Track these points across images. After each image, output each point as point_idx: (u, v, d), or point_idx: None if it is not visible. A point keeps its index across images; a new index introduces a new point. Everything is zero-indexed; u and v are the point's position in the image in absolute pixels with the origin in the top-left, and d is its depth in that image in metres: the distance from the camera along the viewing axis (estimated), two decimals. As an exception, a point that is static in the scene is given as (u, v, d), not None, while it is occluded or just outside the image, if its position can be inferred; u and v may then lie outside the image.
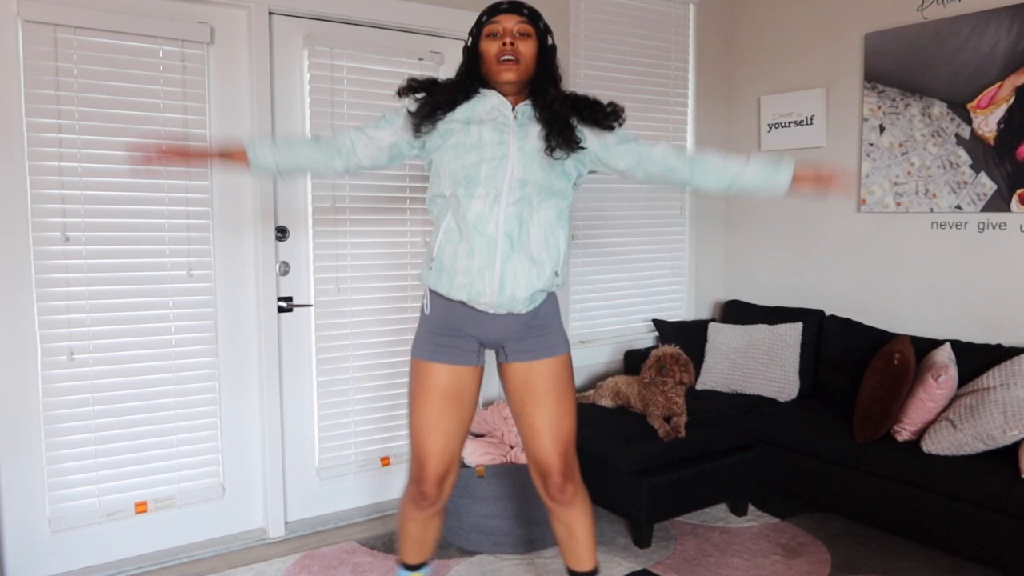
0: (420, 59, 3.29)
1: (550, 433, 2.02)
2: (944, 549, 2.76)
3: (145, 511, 2.88)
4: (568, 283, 3.77)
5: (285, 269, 3.09)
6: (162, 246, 2.85)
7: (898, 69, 3.47)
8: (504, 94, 1.98)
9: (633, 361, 3.76)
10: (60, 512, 2.74)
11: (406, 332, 3.37)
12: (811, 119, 3.82)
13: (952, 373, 2.87)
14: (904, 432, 2.93)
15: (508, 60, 1.91)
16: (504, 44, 1.92)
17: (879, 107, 3.55)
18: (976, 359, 3.01)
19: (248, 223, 3.01)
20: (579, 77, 3.72)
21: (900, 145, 3.49)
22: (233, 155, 2.06)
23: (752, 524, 3.25)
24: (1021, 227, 3.13)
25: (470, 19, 3.31)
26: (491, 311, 1.96)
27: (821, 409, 3.36)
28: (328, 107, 3.10)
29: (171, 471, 2.93)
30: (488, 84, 1.99)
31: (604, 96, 3.82)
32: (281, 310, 3.09)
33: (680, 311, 4.20)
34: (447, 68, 3.37)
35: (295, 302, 3.13)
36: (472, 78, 1.99)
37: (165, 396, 2.89)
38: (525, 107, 1.98)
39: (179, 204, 2.87)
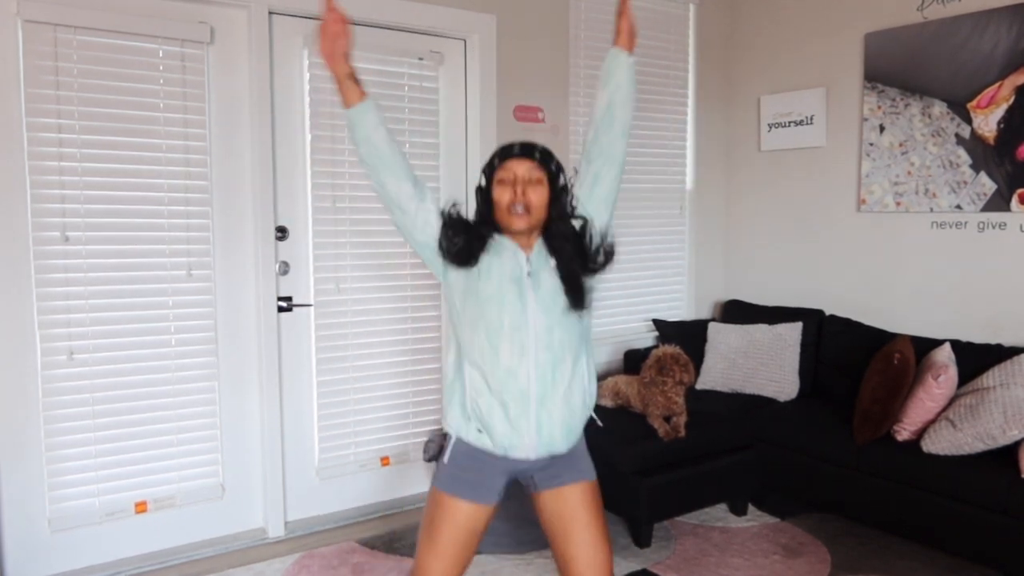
0: (420, 59, 3.29)
1: (585, 562, 1.96)
2: (944, 549, 2.76)
3: (145, 511, 2.88)
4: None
5: (285, 269, 3.09)
6: (162, 246, 2.85)
7: (898, 69, 3.46)
8: (513, 237, 1.93)
9: (633, 361, 3.76)
10: (60, 512, 2.74)
11: (406, 332, 3.37)
12: (811, 119, 3.82)
13: (952, 373, 2.87)
14: (904, 432, 2.92)
15: (519, 212, 1.87)
16: (515, 193, 1.87)
17: (879, 107, 3.55)
18: (976, 359, 3.01)
19: (248, 223, 3.01)
20: (579, 77, 3.72)
21: (900, 145, 3.48)
22: (352, 90, 1.95)
23: (752, 524, 3.25)
24: (1021, 227, 3.13)
25: (470, 19, 3.34)
26: (532, 456, 1.91)
27: (821, 409, 3.36)
28: (328, 107, 3.10)
29: (171, 471, 2.93)
30: (501, 229, 1.94)
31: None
32: (281, 310, 3.09)
33: (680, 311, 4.20)
34: (447, 68, 3.38)
35: (295, 302, 3.12)
36: (487, 225, 1.94)
37: (165, 396, 2.89)
38: (537, 257, 1.93)
39: (179, 204, 2.87)
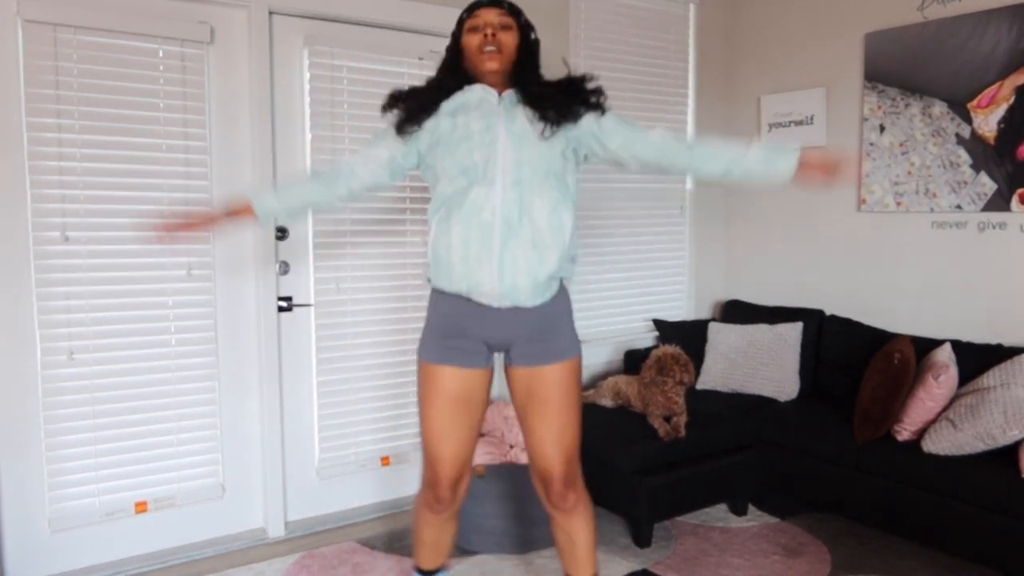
0: (420, 59, 3.29)
1: (553, 442, 1.98)
2: (944, 549, 2.75)
3: (145, 511, 2.88)
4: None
5: (285, 269, 3.09)
6: (162, 246, 2.84)
7: (898, 69, 3.46)
8: (488, 85, 1.98)
9: (633, 361, 3.76)
10: (60, 512, 2.74)
11: (406, 331, 3.37)
12: (811, 119, 3.82)
13: (952, 373, 2.87)
14: (904, 432, 2.92)
15: (490, 51, 1.92)
16: (486, 36, 1.92)
17: (879, 107, 3.55)
18: (976, 359, 3.01)
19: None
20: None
21: (900, 145, 3.48)
22: (239, 212, 2.07)
23: (752, 524, 3.25)
24: (1021, 227, 3.13)
25: (470, 19, 3.34)
26: (495, 304, 1.90)
27: (821, 409, 3.36)
28: (328, 107, 3.10)
29: (171, 471, 2.93)
30: (471, 79, 1.99)
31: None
32: (281, 310, 3.09)
33: (680, 311, 4.20)
34: (447, 68, 3.37)
35: (295, 302, 3.12)
36: (454, 74, 1.99)
37: (165, 396, 2.89)
38: (510, 93, 1.98)
39: (179, 204, 2.87)
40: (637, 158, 2.01)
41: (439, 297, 2.00)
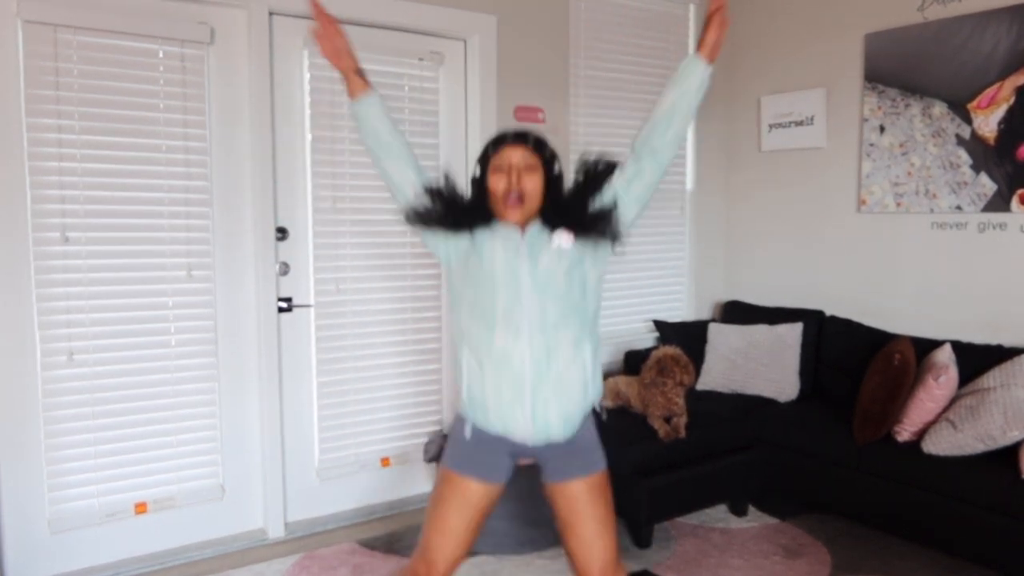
0: (420, 59, 3.29)
1: (586, 552, 1.98)
2: (944, 550, 2.75)
3: (145, 512, 2.88)
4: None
5: (285, 269, 3.09)
6: (162, 246, 2.85)
7: (898, 69, 3.46)
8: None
9: (633, 362, 3.76)
10: (60, 513, 2.74)
11: (406, 332, 3.37)
12: (811, 119, 3.82)
13: (952, 374, 2.87)
14: (904, 433, 2.92)
15: (514, 201, 1.88)
16: (510, 182, 1.88)
17: (879, 107, 3.55)
18: (976, 360, 3.01)
19: (248, 223, 3.01)
20: (579, 78, 3.72)
21: (900, 145, 3.48)
22: (354, 79, 2.03)
23: (752, 525, 3.25)
24: (1021, 227, 3.13)
25: (470, 20, 3.34)
26: (529, 442, 1.93)
27: (821, 410, 3.36)
28: (328, 107, 3.10)
29: (170, 472, 2.92)
30: (496, 218, 1.95)
31: (604, 97, 3.81)
32: (281, 310, 3.09)
33: (680, 311, 4.20)
34: (447, 68, 3.38)
35: (295, 302, 3.12)
36: (482, 213, 1.94)
37: (165, 396, 2.89)
38: (532, 232, 1.92)
39: (179, 204, 2.87)
40: (635, 203, 1.99)
41: (466, 424, 2.00)
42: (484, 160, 1.96)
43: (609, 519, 2.02)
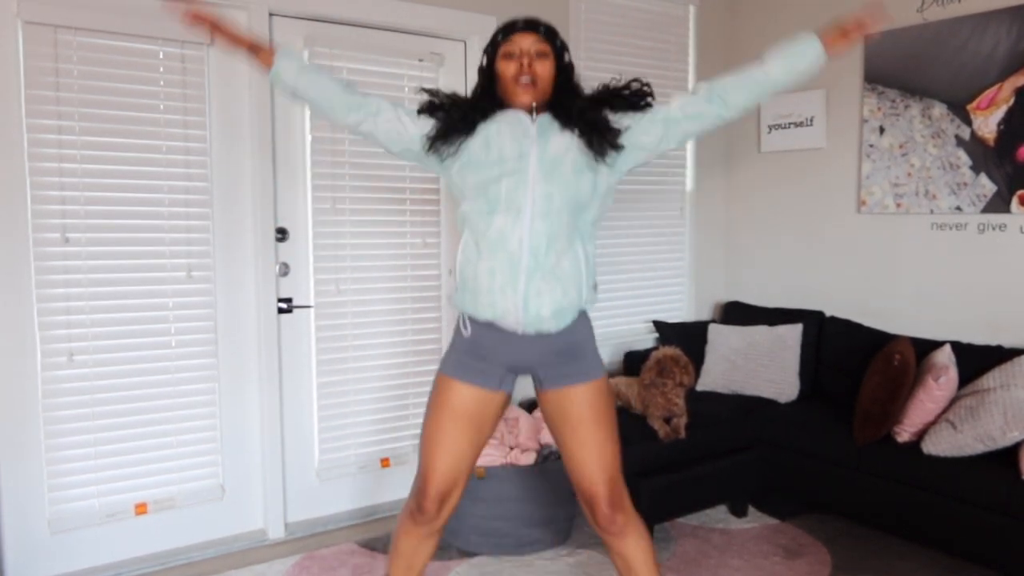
0: (420, 60, 3.29)
1: (592, 462, 1.93)
2: (944, 550, 2.76)
3: (145, 512, 2.88)
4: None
5: (285, 270, 3.09)
6: (162, 247, 2.85)
7: (898, 70, 3.47)
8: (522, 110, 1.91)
9: (633, 362, 3.76)
10: (60, 513, 2.74)
11: (406, 332, 3.37)
12: (811, 120, 3.82)
13: (952, 374, 2.87)
14: (904, 433, 2.92)
15: (526, 82, 1.86)
16: (521, 65, 1.86)
17: (879, 108, 3.55)
18: (976, 360, 3.01)
19: (248, 224, 3.01)
20: (579, 78, 3.71)
21: (900, 146, 3.49)
22: (260, 53, 1.96)
23: (752, 525, 3.25)
24: (1021, 228, 3.13)
25: (470, 20, 3.34)
26: (519, 331, 1.88)
27: (821, 410, 3.36)
28: (328, 108, 3.10)
29: (171, 472, 2.92)
30: (505, 105, 1.92)
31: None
32: (281, 311, 3.09)
33: (680, 312, 4.20)
34: (447, 70, 3.38)
35: (295, 303, 3.12)
36: (489, 98, 1.92)
37: (165, 397, 2.89)
38: (545, 117, 1.91)
39: (179, 205, 2.87)
40: (673, 138, 1.97)
41: (463, 319, 1.97)
42: (493, 48, 1.92)
43: (615, 427, 1.96)
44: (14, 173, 2.57)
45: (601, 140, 1.89)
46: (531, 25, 1.91)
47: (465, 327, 1.96)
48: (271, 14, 2.96)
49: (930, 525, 2.77)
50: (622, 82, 1.98)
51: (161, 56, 2.79)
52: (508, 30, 1.91)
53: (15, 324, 2.61)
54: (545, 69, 1.89)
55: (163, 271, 2.86)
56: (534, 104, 1.89)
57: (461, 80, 3.42)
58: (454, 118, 1.91)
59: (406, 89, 3.27)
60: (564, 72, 1.94)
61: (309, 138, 3.09)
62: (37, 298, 2.64)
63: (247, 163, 2.98)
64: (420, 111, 1.97)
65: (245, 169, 2.99)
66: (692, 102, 1.94)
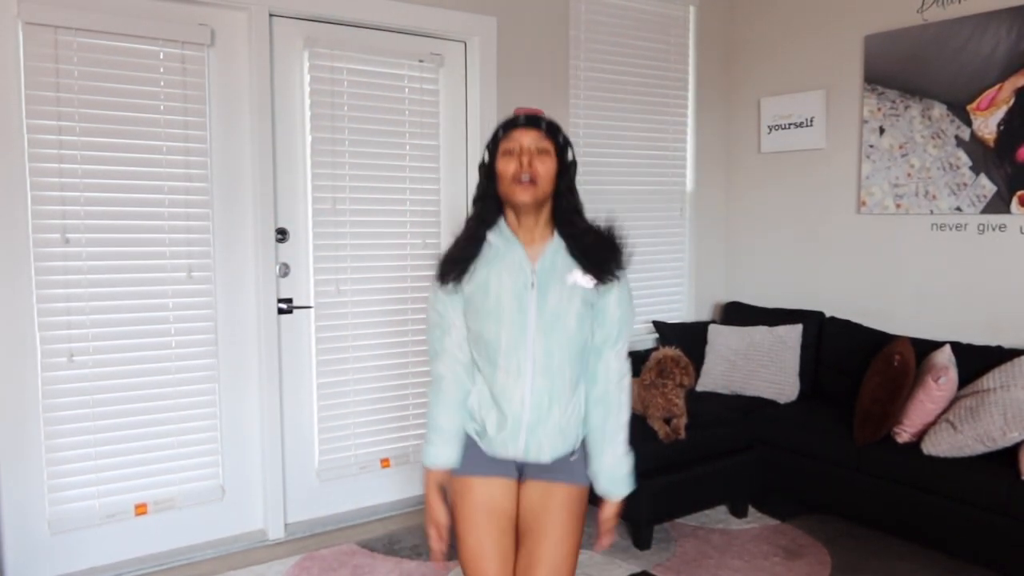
0: (420, 61, 3.29)
1: (549, 568, 1.85)
2: (944, 550, 2.76)
3: (145, 513, 2.88)
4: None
5: (285, 271, 3.09)
6: (162, 248, 2.85)
7: (898, 71, 3.47)
8: (519, 215, 1.85)
9: (633, 363, 3.71)
10: (60, 514, 2.74)
11: (406, 333, 3.37)
12: (811, 121, 3.82)
13: (952, 375, 2.87)
14: (904, 433, 2.92)
15: (525, 181, 1.79)
16: (521, 164, 1.80)
17: (879, 109, 3.55)
18: (976, 361, 3.01)
19: (248, 225, 3.01)
20: (579, 79, 3.72)
21: (900, 147, 3.49)
22: (444, 483, 1.93)
23: (752, 526, 3.25)
24: (1021, 229, 3.13)
25: (470, 21, 3.34)
26: (520, 459, 1.88)
27: (821, 411, 3.36)
28: (328, 109, 3.10)
29: (171, 472, 2.92)
30: (504, 205, 1.87)
31: (604, 98, 3.81)
32: (281, 312, 3.09)
33: (680, 313, 4.20)
34: (447, 70, 3.38)
35: (295, 304, 3.12)
36: (491, 201, 1.87)
37: (165, 398, 2.89)
38: (544, 265, 1.84)
39: (179, 206, 2.87)
40: (594, 356, 1.92)
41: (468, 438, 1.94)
42: (494, 144, 1.88)
43: (577, 543, 1.91)
44: (14, 173, 2.57)
45: (606, 271, 1.84)
46: (532, 121, 1.85)
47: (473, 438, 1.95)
48: (271, 15, 2.97)
49: (930, 525, 2.77)
50: (616, 240, 1.90)
51: (161, 56, 2.79)
52: (509, 126, 1.86)
53: (15, 324, 2.61)
54: (546, 168, 1.82)
55: (163, 271, 2.86)
56: (531, 202, 1.81)
57: (461, 80, 3.43)
58: (458, 263, 1.88)
59: (406, 90, 3.27)
60: (567, 172, 1.87)
61: (309, 138, 3.09)
62: (37, 298, 2.64)
63: (247, 163, 2.99)
64: (440, 279, 1.92)
65: (245, 169, 2.99)
66: (594, 400, 1.91)
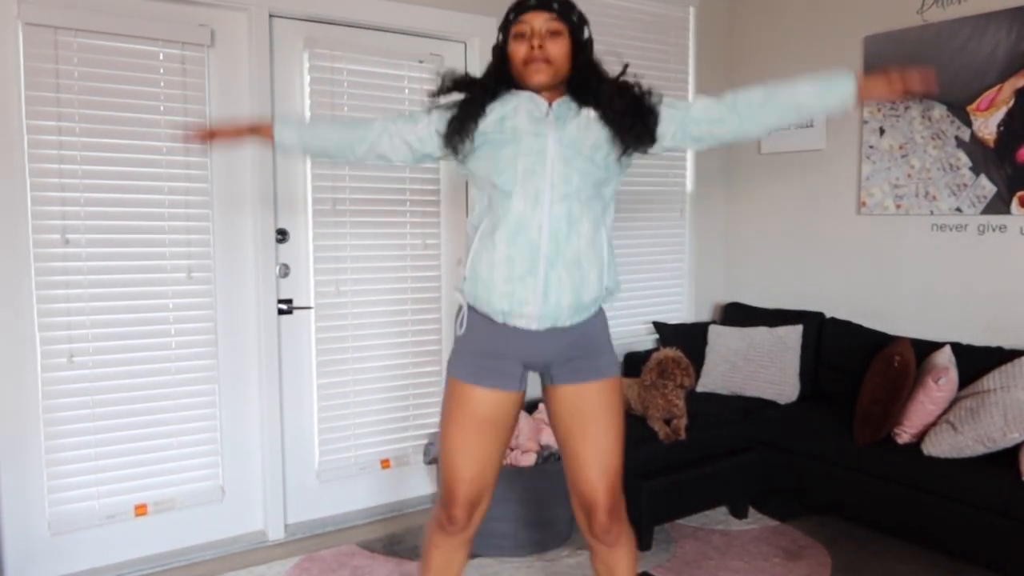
0: (420, 61, 3.29)
1: (597, 466, 1.84)
2: (944, 552, 2.75)
3: (145, 513, 2.88)
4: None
5: (285, 271, 3.09)
6: (162, 248, 2.85)
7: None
8: (537, 94, 1.83)
9: (633, 363, 3.76)
10: (60, 514, 2.73)
11: (406, 333, 3.37)
12: (811, 121, 3.82)
13: (952, 375, 2.87)
14: (904, 434, 2.92)
15: (537, 65, 1.77)
16: (532, 47, 1.76)
17: (879, 109, 3.55)
18: (976, 361, 3.01)
19: (248, 225, 3.01)
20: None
21: (900, 147, 3.49)
22: (262, 130, 2.02)
23: (752, 527, 3.24)
24: (1021, 229, 3.13)
25: (470, 22, 3.34)
26: (534, 326, 1.80)
27: (821, 411, 3.36)
28: (328, 110, 3.10)
29: (171, 473, 2.92)
30: (519, 86, 1.84)
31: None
32: (281, 312, 3.09)
33: (680, 313, 4.20)
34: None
35: (295, 304, 3.12)
36: (503, 81, 1.84)
37: (165, 398, 2.89)
38: (561, 104, 1.82)
39: (179, 207, 2.87)
40: (688, 137, 1.88)
41: (472, 315, 1.87)
42: (505, 26, 1.83)
43: (622, 432, 1.88)
44: (14, 174, 2.57)
45: (642, 128, 1.81)
46: (544, 2, 1.79)
47: (461, 326, 1.88)
48: (271, 15, 2.97)
49: (930, 527, 2.77)
50: (633, 82, 1.89)
51: (161, 57, 2.79)
52: (519, 8, 1.81)
53: (15, 324, 2.61)
54: (559, 49, 1.78)
55: (163, 272, 2.86)
56: (547, 82, 1.80)
57: (461, 81, 3.43)
58: (464, 110, 1.84)
59: (406, 91, 3.27)
60: (582, 50, 1.83)
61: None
62: (37, 299, 2.64)
63: (247, 163, 2.99)
64: (435, 93, 1.90)
65: (245, 169, 2.99)
66: (715, 106, 1.87)
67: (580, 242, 1.78)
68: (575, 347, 1.86)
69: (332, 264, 3.18)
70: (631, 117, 1.81)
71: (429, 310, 3.42)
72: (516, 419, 1.92)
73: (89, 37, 2.66)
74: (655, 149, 1.90)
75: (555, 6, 1.79)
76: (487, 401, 1.83)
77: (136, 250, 2.80)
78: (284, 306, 3.10)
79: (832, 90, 1.85)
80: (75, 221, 2.69)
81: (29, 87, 2.57)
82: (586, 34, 1.85)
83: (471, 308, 1.88)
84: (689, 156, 4.15)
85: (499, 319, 1.82)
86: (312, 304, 3.15)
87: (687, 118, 1.87)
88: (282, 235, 3.07)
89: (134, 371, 2.82)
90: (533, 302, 1.77)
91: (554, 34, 1.78)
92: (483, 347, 1.86)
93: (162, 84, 2.80)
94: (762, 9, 4.05)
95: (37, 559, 2.72)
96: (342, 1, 3.05)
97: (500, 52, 1.84)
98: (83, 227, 2.71)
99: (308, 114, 3.06)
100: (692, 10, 4.06)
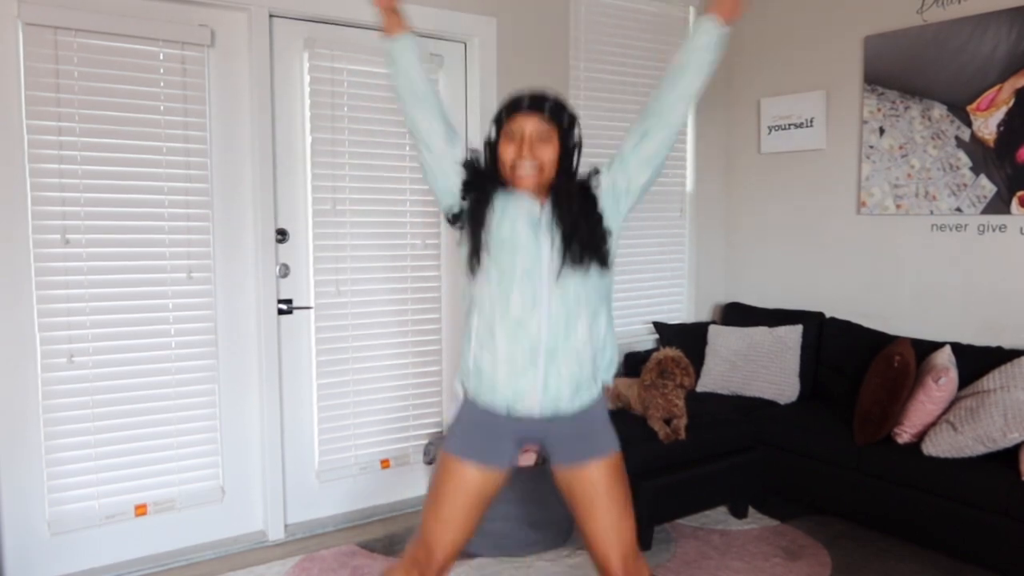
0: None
1: (605, 540, 1.89)
2: (944, 551, 2.75)
3: (145, 514, 2.88)
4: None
5: (285, 271, 3.09)
6: (162, 248, 2.85)
7: (898, 71, 3.47)
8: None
9: (634, 363, 3.76)
10: (59, 515, 2.73)
11: (406, 334, 3.37)
12: (811, 121, 3.82)
13: (952, 375, 2.87)
14: (904, 434, 2.92)
15: (523, 172, 1.79)
16: (521, 152, 1.78)
17: (879, 109, 3.55)
18: (976, 361, 3.01)
19: (248, 225, 3.01)
20: (579, 79, 3.72)
21: (900, 147, 3.49)
22: (394, 21, 1.98)
23: (752, 527, 3.24)
24: (1021, 229, 3.13)
25: (470, 22, 3.34)
26: (535, 415, 1.84)
27: (821, 411, 3.36)
28: (328, 109, 3.10)
29: (171, 474, 2.92)
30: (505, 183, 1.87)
31: (604, 99, 3.80)
32: (281, 312, 3.09)
33: (680, 313, 4.20)
34: (446, 71, 3.38)
35: (295, 304, 3.12)
36: (492, 180, 1.86)
37: (165, 399, 2.89)
38: (546, 209, 1.84)
39: (179, 207, 2.87)
40: (642, 167, 1.87)
41: (474, 407, 1.91)
42: (498, 124, 1.85)
43: (629, 503, 1.93)
44: (14, 174, 2.57)
45: (589, 255, 1.83)
46: (536, 103, 1.80)
47: (459, 409, 1.93)
48: (271, 15, 2.97)
49: (930, 526, 2.77)
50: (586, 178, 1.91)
51: (161, 57, 2.79)
52: (512, 108, 1.83)
53: (15, 325, 2.61)
54: (548, 154, 1.80)
55: (163, 272, 2.86)
56: (533, 188, 1.82)
57: (461, 80, 3.43)
58: (477, 202, 1.87)
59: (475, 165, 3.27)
60: (568, 156, 1.84)
61: (309, 138, 3.09)
62: (37, 299, 2.64)
63: (247, 163, 2.99)
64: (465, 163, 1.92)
65: (245, 169, 2.99)
66: (634, 128, 1.88)
67: (578, 338, 1.83)
68: (573, 431, 1.91)
69: (332, 264, 3.18)
70: (586, 234, 1.83)
71: (429, 310, 3.42)
72: (498, 489, 1.96)
73: (89, 37, 2.66)
74: (630, 199, 1.91)
75: (547, 107, 1.80)
76: (477, 479, 1.88)
77: (136, 250, 2.80)
78: (284, 306, 3.10)
79: (698, 34, 1.83)
80: (75, 221, 2.69)
81: (29, 87, 2.57)
82: (576, 137, 1.86)
83: (472, 401, 1.92)
84: (689, 157, 4.15)
85: (502, 412, 1.87)
86: (312, 304, 3.15)
87: (621, 157, 1.88)
88: (282, 235, 3.07)
89: (134, 371, 2.82)
90: (532, 393, 1.82)
91: (543, 139, 1.80)
92: (481, 422, 1.90)
93: (162, 84, 2.80)
94: (762, 9, 4.05)
95: (37, 559, 2.72)
96: (342, 1, 3.05)
97: (492, 149, 1.87)
98: (83, 227, 2.71)
99: (308, 114, 3.07)
100: (692, 10, 4.06)
